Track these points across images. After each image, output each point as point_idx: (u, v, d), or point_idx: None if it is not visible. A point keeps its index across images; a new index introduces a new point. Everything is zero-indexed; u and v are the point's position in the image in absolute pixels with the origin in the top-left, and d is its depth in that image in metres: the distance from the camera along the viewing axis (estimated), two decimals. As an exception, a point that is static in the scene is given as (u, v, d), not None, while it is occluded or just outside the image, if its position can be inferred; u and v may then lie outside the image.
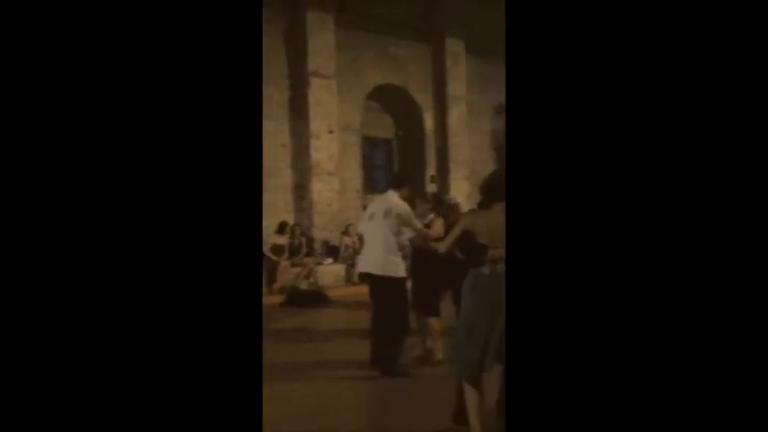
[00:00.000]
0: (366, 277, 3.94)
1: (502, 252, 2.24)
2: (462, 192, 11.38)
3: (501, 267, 2.28)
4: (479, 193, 2.61)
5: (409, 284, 3.96)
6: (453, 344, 2.44)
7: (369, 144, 11.25)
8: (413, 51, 11.14)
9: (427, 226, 3.97)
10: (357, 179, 10.58)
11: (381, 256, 3.75)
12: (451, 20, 11.25)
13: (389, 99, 11.18)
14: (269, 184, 8.53)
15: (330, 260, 8.99)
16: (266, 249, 7.83)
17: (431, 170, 11.42)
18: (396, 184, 4.01)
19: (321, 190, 9.48)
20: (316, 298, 7.14)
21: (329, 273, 8.64)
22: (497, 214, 2.39)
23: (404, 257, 3.86)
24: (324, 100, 9.48)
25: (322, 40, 9.43)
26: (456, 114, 11.58)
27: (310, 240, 9.01)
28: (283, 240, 8.25)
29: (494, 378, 2.49)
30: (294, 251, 8.32)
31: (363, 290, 4.11)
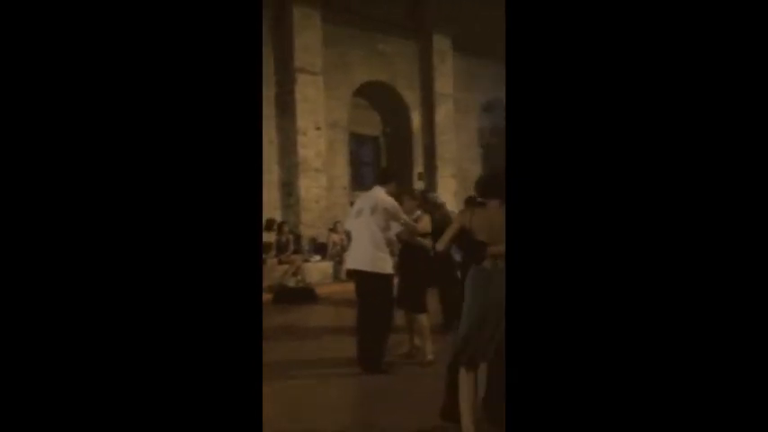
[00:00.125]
0: (354, 274, 3.93)
1: (502, 248, 2.25)
2: (449, 189, 11.41)
3: (501, 263, 2.29)
4: (475, 191, 2.61)
5: (396, 281, 3.97)
6: (458, 337, 2.44)
7: (356, 141, 11.23)
8: (400, 48, 11.13)
9: (414, 222, 3.99)
10: (344, 176, 10.55)
11: (369, 252, 3.74)
12: (438, 17, 11.26)
13: (377, 96, 11.16)
14: (256, 181, 8.46)
15: (318, 257, 8.96)
16: (253, 247, 7.76)
17: (418, 168, 11.44)
18: (382, 180, 4.01)
19: (308, 187, 9.45)
20: (304, 295, 7.12)
21: (317, 270, 8.62)
22: (494, 211, 2.40)
23: (391, 254, 3.86)
24: (311, 96, 9.44)
25: (308, 37, 9.38)
26: (443, 112, 11.59)
27: (298, 237, 8.97)
28: (271, 237, 8.20)
29: (480, 373, 2.51)
30: (281, 248, 8.28)
31: (351, 287, 4.10)
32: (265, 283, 7.75)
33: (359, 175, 11.26)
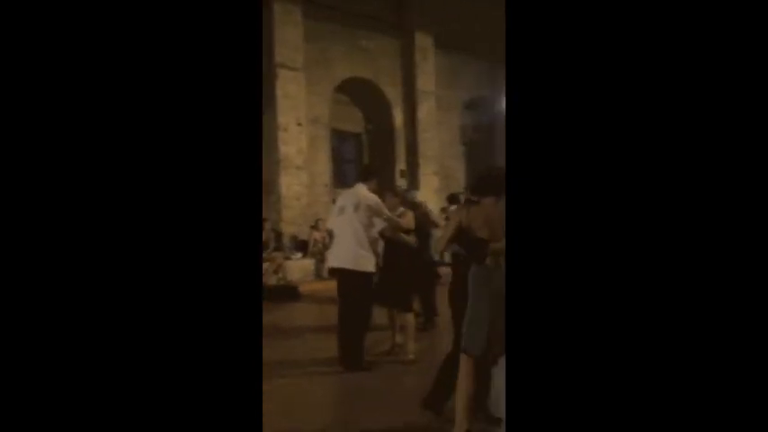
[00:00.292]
0: (336, 272, 3.90)
1: (502, 245, 2.26)
2: (431, 186, 11.43)
3: (503, 260, 2.29)
4: (470, 189, 2.59)
5: (380, 279, 3.94)
6: (465, 333, 2.43)
7: (338, 138, 11.18)
8: (383, 45, 11.10)
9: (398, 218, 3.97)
10: (326, 173, 10.50)
11: (352, 249, 3.72)
12: (421, 14, 11.26)
13: (359, 92, 11.12)
14: (236, 177, 8.37)
15: (299, 255, 8.91)
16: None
17: (400, 165, 11.44)
18: (364, 177, 3.99)
19: (290, 184, 9.37)
20: (286, 293, 7.07)
21: (298, 268, 8.56)
22: (491, 208, 2.40)
23: (374, 252, 3.84)
24: (292, 92, 9.36)
25: (289, 32, 9.30)
26: (425, 109, 11.61)
27: (279, 235, 8.90)
28: (251, 235, 8.12)
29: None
30: (262, 246, 8.21)
31: (333, 285, 4.07)
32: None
33: (341, 172, 11.21)
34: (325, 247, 7.86)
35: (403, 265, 3.93)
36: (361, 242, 3.72)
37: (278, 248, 8.51)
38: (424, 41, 11.52)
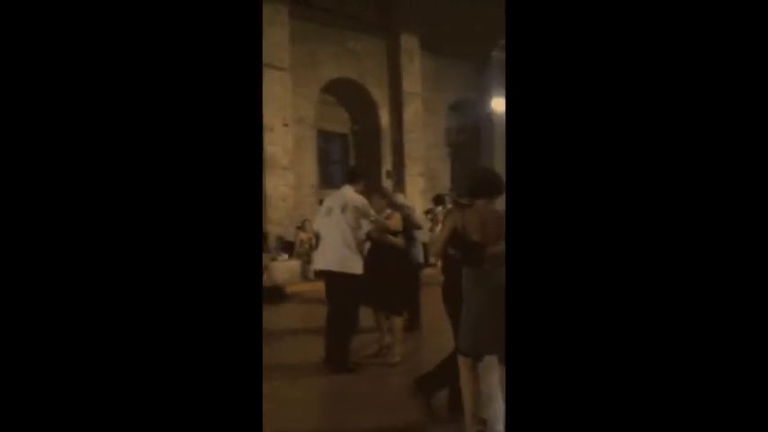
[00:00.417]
0: (323, 275, 3.89)
1: (499, 248, 2.25)
2: (417, 187, 11.46)
3: (499, 264, 2.26)
4: (466, 192, 2.56)
5: (367, 281, 3.94)
6: (461, 334, 2.44)
7: (324, 138, 11.15)
8: (370, 46, 11.11)
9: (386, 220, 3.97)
10: (312, 174, 10.47)
11: (340, 251, 3.71)
12: (407, 16, 11.28)
13: (345, 93, 11.11)
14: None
15: (285, 256, 8.86)
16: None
17: (386, 165, 11.44)
18: (351, 179, 3.99)
19: (276, 185, 9.33)
20: (272, 294, 7.02)
21: (284, 269, 8.52)
22: (484, 211, 2.38)
23: (361, 254, 3.84)
24: (277, 92, 9.32)
25: (276, 32, 9.25)
26: (411, 110, 11.63)
27: (264, 236, 8.85)
28: (236, 236, 8.06)
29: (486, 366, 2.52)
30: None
31: (320, 286, 4.06)
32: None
33: (327, 172, 11.19)
34: (312, 248, 7.84)
35: (390, 266, 3.93)
36: (348, 244, 3.71)
37: (264, 250, 8.46)
38: (409, 43, 11.55)
